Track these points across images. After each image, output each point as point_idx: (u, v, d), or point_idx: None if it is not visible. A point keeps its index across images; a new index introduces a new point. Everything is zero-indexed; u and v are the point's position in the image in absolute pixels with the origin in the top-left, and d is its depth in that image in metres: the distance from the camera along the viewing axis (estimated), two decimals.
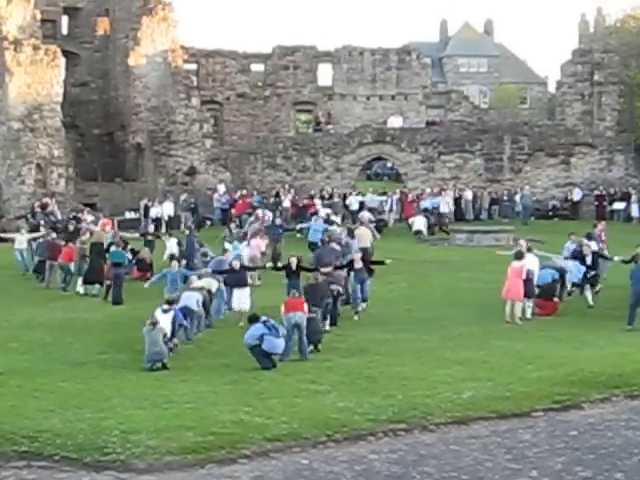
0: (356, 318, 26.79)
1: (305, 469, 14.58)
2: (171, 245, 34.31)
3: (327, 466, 14.65)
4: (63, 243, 33.69)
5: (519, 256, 27.03)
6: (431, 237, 46.06)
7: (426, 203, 48.97)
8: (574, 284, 29.38)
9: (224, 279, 26.95)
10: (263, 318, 21.65)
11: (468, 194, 52.25)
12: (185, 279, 27.44)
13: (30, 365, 21.51)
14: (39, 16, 52.97)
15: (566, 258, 29.72)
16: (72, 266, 32.72)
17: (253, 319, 21.77)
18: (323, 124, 63.35)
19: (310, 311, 22.91)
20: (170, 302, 22.92)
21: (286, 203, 49.04)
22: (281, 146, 55.45)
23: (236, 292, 26.48)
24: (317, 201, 48.08)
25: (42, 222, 40.45)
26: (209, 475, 14.44)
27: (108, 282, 30.59)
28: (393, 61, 64.30)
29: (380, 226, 43.11)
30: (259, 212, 41.91)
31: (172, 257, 29.85)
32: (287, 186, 51.95)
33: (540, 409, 17.70)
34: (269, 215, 41.70)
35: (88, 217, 42.72)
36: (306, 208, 47.35)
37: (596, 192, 52.72)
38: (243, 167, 54.54)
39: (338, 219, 42.97)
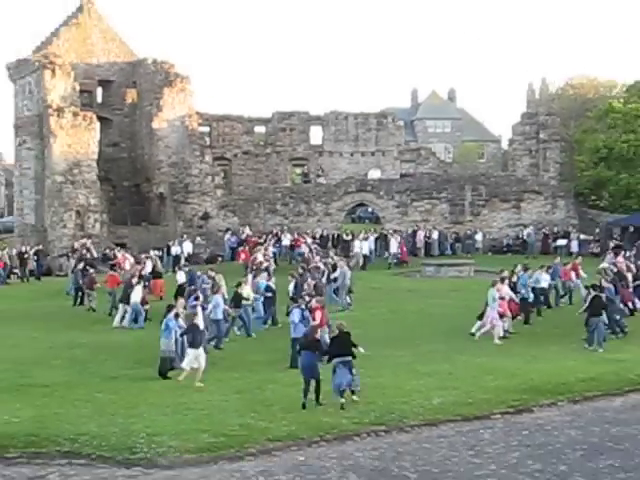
0: None
1: (302, 464, 14.57)
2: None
3: (320, 462, 14.64)
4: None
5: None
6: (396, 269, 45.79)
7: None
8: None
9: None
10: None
11: (434, 234, 52.37)
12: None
13: (71, 379, 21.48)
14: (78, 87, 53.29)
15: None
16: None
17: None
18: (314, 177, 63.61)
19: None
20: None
21: (285, 242, 49.11)
22: (280, 195, 55.44)
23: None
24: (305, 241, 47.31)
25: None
26: (221, 470, 14.42)
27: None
28: (372, 123, 64.35)
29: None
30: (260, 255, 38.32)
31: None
32: (286, 227, 52.02)
33: (498, 412, 17.70)
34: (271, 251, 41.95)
35: (119, 254, 42.70)
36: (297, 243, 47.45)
37: (543, 231, 52.89)
38: (248, 212, 54.48)
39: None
